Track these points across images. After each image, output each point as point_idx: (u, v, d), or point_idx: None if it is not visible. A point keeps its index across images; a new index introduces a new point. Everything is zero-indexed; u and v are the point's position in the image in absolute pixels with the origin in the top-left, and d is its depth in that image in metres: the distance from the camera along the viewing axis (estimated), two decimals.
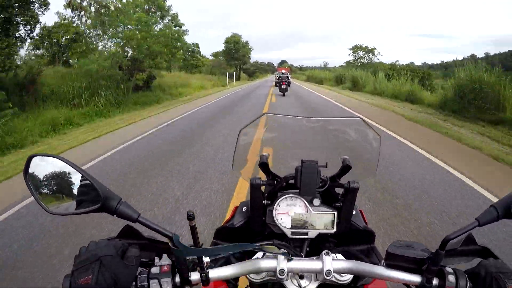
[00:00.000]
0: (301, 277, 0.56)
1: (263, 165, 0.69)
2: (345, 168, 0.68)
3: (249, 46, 49.78)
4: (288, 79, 17.52)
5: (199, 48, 51.37)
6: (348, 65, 35.07)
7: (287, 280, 0.55)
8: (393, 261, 0.53)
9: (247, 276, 0.55)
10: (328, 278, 0.52)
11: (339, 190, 0.68)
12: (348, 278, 0.56)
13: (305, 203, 0.64)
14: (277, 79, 18.15)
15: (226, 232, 0.72)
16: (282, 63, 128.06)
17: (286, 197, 0.65)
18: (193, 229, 0.52)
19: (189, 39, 55.73)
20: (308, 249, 0.66)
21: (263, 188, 0.68)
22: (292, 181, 0.66)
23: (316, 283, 0.56)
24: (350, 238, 0.71)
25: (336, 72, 29.73)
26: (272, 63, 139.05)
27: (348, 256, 0.60)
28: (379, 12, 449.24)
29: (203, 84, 24.75)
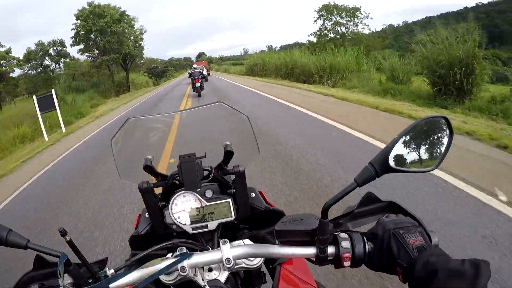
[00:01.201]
0: (210, 269, 0.56)
1: (148, 168, 0.68)
2: (228, 154, 0.67)
3: (135, 23, 25.01)
4: (202, 74, 12.89)
5: (65, 47, 28.45)
6: (319, 40, 19.54)
7: (195, 275, 0.53)
8: (285, 237, 0.53)
9: (161, 279, 0.54)
10: (229, 266, 0.51)
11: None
12: (258, 261, 0.57)
13: (197, 197, 0.64)
14: (189, 77, 13.45)
15: (137, 240, 0.70)
16: (200, 55, 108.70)
17: (178, 195, 0.65)
18: (71, 244, 0.51)
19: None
20: (220, 240, 0.61)
21: (158, 191, 0.68)
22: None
23: (226, 273, 0.56)
24: (259, 222, 0.71)
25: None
26: (189, 57, 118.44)
27: (256, 240, 0.64)
28: None
29: None
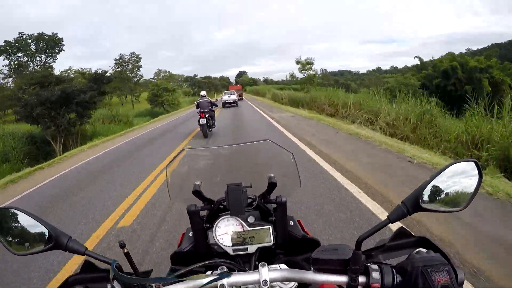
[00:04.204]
0: None
1: (197, 192, 0.75)
2: (272, 185, 0.75)
3: None
4: (213, 104, 9.35)
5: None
6: None
7: None
8: (319, 265, 0.56)
9: None
10: (265, 287, 0.54)
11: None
12: (291, 285, 0.61)
13: (240, 222, 0.70)
14: (197, 108, 9.46)
15: (179, 257, 0.76)
16: (241, 75, 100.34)
17: (223, 219, 0.71)
18: (127, 256, 0.55)
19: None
20: (256, 263, 0.68)
21: (203, 213, 0.75)
22: (225, 204, 0.71)
23: None
24: (295, 248, 0.75)
25: None
26: (228, 77, 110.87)
27: (291, 265, 0.68)
28: (329, 21, 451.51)
29: None
